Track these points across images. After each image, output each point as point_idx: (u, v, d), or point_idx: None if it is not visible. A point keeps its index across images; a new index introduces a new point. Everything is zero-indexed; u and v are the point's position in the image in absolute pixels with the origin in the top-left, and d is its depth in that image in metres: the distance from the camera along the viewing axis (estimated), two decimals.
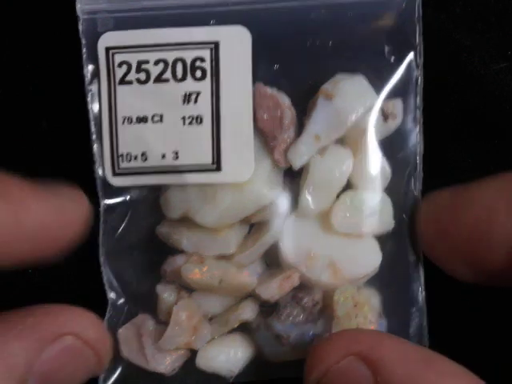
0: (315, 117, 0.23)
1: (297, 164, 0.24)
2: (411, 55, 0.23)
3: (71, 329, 0.22)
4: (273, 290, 0.24)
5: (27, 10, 0.28)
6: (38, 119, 0.28)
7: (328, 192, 0.23)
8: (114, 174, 0.24)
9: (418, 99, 0.24)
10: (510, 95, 0.27)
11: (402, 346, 0.21)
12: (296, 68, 0.23)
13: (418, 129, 0.24)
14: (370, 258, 0.23)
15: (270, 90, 0.23)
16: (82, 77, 0.26)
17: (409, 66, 0.23)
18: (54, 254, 0.22)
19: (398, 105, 0.24)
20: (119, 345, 0.25)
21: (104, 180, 0.24)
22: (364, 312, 0.23)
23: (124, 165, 0.23)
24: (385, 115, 0.23)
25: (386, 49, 0.23)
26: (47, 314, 0.22)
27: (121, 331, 0.25)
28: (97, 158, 0.24)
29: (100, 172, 0.24)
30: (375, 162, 0.23)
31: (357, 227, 0.23)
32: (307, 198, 0.24)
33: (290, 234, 0.24)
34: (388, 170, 0.24)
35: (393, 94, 0.23)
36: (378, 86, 0.23)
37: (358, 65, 0.23)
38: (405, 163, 0.24)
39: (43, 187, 0.22)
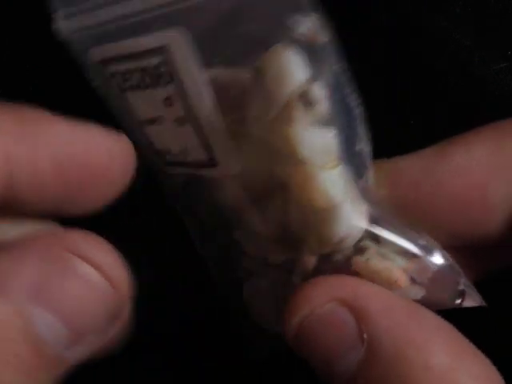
0: (252, 96, 0.22)
1: None
2: (314, 18, 0.21)
3: (82, 252, 0.18)
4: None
5: (27, 10, 0.28)
6: None
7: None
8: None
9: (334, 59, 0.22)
10: (510, 95, 0.27)
11: (386, 297, 0.21)
12: (232, 52, 0.22)
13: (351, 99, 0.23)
14: (341, 224, 0.23)
15: (209, 76, 0.22)
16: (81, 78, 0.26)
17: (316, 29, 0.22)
18: (97, 196, 0.20)
19: (316, 89, 0.22)
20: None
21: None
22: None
23: (167, 159, 0.24)
24: (307, 102, 0.22)
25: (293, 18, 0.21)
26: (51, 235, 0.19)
27: None
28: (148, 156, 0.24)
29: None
30: (312, 138, 0.22)
31: (311, 201, 0.22)
32: None
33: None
34: (331, 143, 0.22)
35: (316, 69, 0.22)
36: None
37: (281, 39, 0.22)
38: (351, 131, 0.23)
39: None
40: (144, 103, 0.23)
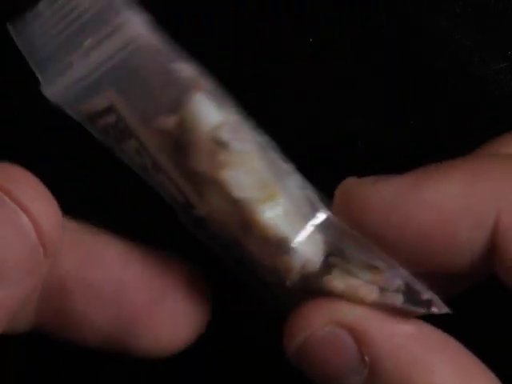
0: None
1: None
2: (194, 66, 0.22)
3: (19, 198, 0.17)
4: None
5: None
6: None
7: None
8: None
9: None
10: (510, 95, 0.27)
11: (386, 318, 0.21)
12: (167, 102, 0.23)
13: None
14: (295, 252, 0.23)
15: (156, 126, 0.23)
16: None
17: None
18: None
19: (227, 131, 0.23)
20: None
21: None
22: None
23: (170, 199, 0.25)
24: (222, 144, 0.22)
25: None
26: None
27: None
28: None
29: None
30: (240, 177, 0.23)
31: (263, 235, 0.23)
32: None
33: None
34: (261, 177, 0.23)
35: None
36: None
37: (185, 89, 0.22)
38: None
39: None
40: (129, 153, 0.24)
